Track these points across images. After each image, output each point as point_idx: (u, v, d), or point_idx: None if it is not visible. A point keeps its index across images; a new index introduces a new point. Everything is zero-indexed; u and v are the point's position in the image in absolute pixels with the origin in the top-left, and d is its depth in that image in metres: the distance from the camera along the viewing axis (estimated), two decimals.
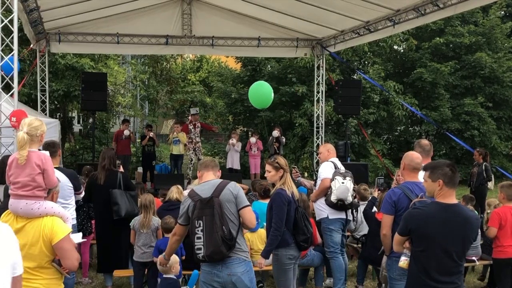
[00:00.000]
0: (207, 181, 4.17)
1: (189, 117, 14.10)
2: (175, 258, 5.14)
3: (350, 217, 6.47)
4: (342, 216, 6.30)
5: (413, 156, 4.56)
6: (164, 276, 5.21)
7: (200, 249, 3.92)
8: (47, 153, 3.32)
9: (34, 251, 3.12)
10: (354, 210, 6.60)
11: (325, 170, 6.35)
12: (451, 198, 3.56)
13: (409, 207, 3.94)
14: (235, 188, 4.07)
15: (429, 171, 3.64)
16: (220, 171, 4.39)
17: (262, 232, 6.15)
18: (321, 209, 6.33)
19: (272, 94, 9.68)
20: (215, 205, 3.93)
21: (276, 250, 4.94)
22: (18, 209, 3.15)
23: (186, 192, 7.18)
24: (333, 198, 6.14)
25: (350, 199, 6.23)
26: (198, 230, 3.93)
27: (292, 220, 4.95)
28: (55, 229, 3.13)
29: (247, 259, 4.09)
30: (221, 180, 4.16)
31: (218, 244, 3.86)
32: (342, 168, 6.39)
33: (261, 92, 9.45)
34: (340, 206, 6.19)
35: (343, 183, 6.14)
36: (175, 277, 5.24)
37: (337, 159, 6.58)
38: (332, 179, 6.21)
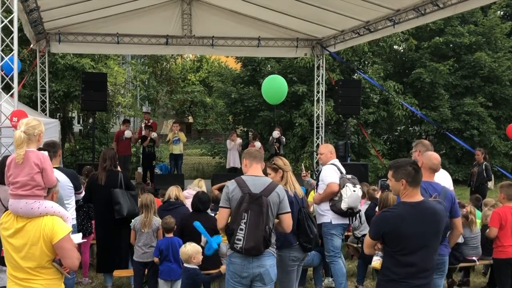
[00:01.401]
0: (257, 176, 4.27)
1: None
2: (196, 248, 5.24)
3: (351, 222, 6.45)
4: (345, 221, 6.23)
5: (432, 156, 4.57)
6: (186, 265, 5.27)
7: (240, 240, 4.05)
8: (45, 153, 3.32)
9: (35, 251, 3.11)
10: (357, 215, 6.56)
11: (331, 174, 6.19)
12: (417, 196, 3.58)
13: None
14: (282, 192, 4.24)
15: (393, 170, 3.64)
16: (264, 163, 4.50)
17: None
18: (324, 214, 6.20)
19: (286, 89, 9.49)
20: (263, 204, 4.06)
21: (279, 250, 4.90)
22: (18, 209, 3.14)
23: (186, 192, 7.22)
24: (343, 206, 6.01)
25: (359, 207, 6.23)
26: (242, 222, 4.05)
27: (295, 220, 4.92)
28: (55, 228, 3.13)
29: (274, 254, 4.30)
30: (271, 180, 4.32)
31: (259, 242, 4.04)
32: (346, 174, 6.31)
33: (276, 87, 9.26)
34: (349, 213, 6.14)
35: (354, 191, 6.04)
36: (196, 267, 5.29)
37: (338, 160, 6.52)
38: (342, 186, 6.07)
